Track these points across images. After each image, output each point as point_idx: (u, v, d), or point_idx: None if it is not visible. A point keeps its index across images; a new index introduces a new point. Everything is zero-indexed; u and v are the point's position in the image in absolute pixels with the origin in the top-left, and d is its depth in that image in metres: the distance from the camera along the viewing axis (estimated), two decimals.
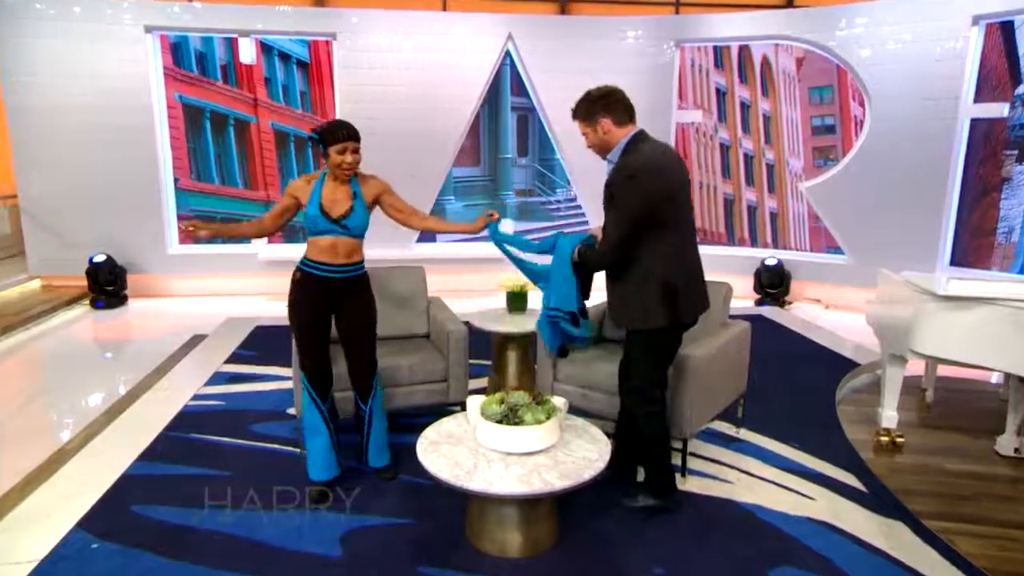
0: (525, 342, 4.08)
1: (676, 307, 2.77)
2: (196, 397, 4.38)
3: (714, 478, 3.33)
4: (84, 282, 6.99)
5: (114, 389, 4.67)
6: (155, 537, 2.80)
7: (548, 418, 2.68)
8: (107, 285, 6.98)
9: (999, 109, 6.42)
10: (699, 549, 2.77)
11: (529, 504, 2.63)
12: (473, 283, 7.54)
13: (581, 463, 2.61)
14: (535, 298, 4.45)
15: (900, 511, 3.06)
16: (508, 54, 7.70)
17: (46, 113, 6.97)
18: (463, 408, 3.76)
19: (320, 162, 3.09)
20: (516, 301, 4.22)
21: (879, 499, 3.17)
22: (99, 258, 6.95)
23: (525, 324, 4.04)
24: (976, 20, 6.33)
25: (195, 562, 2.65)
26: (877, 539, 2.83)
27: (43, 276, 7.30)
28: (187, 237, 2.84)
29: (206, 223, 2.73)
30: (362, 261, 3.13)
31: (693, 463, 3.45)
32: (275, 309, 6.74)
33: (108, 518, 2.94)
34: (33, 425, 4.18)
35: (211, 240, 7.50)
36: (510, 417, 2.68)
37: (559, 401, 2.87)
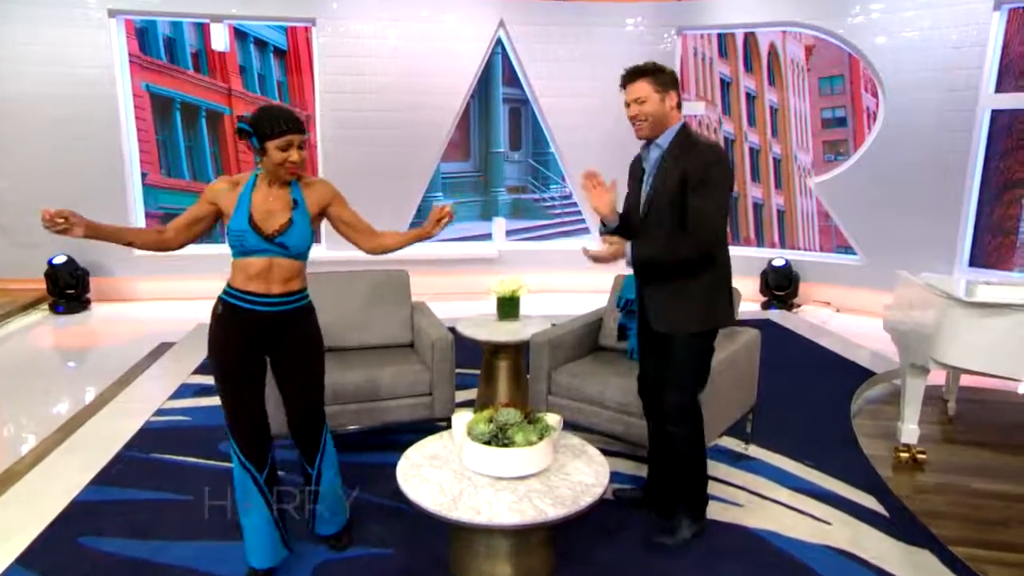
0: (517, 352, 3.94)
1: (732, 304, 2.79)
2: (160, 412, 4.22)
3: (721, 500, 3.19)
4: (43, 285, 6.81)
5: (71, 402, 4.51)
6: (104, 573, 2.64)
7: (541, 439, 2.54)
8: (68, 288, 6.80)
9: (1022, 100, 6.33)
10: None
11: (520, 534, 2.48)
12: (461, 285, 7.39)
13: (578, 488, 2.47)
14: (528, 304, 4.33)
15: (925, 537, 2.93)
16: (499, 42, 7.57)
17: (1, 102, 6.78)
18: (449, 424, 3.64)
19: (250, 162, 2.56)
20: (507, 307, 4.08)
21: (902, 524, 3.04)
22: (59, 259, 6.77)
23: (517, 332, 3.90)
24: (998, 4, 6.23)
25: None
26: (903, 569, 2.70)
27: None
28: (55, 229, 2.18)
29: (79, 217, 2.23)
30: (304, 290, 2.58)
31: None
32: None
33: (51, 552, 2.78)
34: None
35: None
36: (499, 438, 2.53)
37: (553, 419, 2.72)
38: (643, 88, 2.62)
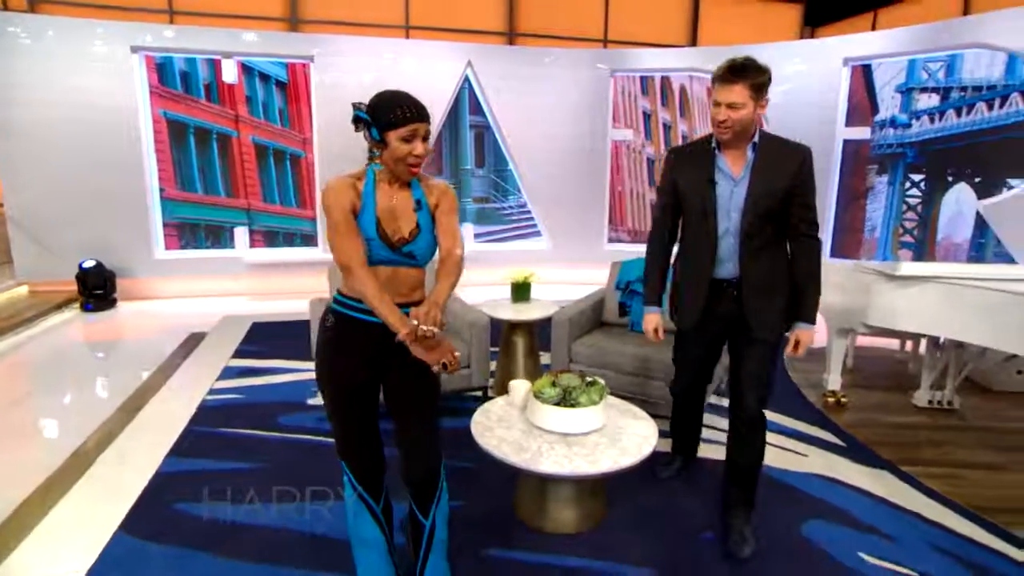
0: (530, 328, 3.71)
1: None
2: (212, 391, 3.73)
3: (716, 442, 3.08)
4: (73, 287, 6.00)
5: (120, 388, 3.91)
6: (205, 536, 2.27)
7: (600, 399, 2.35)
8: (96, 289, 6.02)
9: (863, 132, 6.63)
10: None
11: (581, 482, 2.29)
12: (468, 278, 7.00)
13: (637, 439, 2.29)
14: (539, 288, 4.08)
15: (877, 460, 2.93)
16: (467, 78, 7.26)
17: (35, 127, 5.91)
18: (484, 393, 3.38)
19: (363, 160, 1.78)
20: (521, 291, 3.84)
21: (856, 451, 3.04)
22: (89, 263, 5.99)
23: (530, 312, 3.67)
24: (846, 62, 6.51)
25: (256, 560, 2.14)
26: (876, 488, 2.68)
27: (30, 282, 6.22)
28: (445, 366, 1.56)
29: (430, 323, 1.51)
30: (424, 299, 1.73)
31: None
32: (265, 307, 6.01)
33: (152, 519, 2.38)
34: (40, 428, 3.42)
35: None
36: (566, 399, 2.32)
37: (602, 383, 2.53)
38: (741, 93, 1.96)
